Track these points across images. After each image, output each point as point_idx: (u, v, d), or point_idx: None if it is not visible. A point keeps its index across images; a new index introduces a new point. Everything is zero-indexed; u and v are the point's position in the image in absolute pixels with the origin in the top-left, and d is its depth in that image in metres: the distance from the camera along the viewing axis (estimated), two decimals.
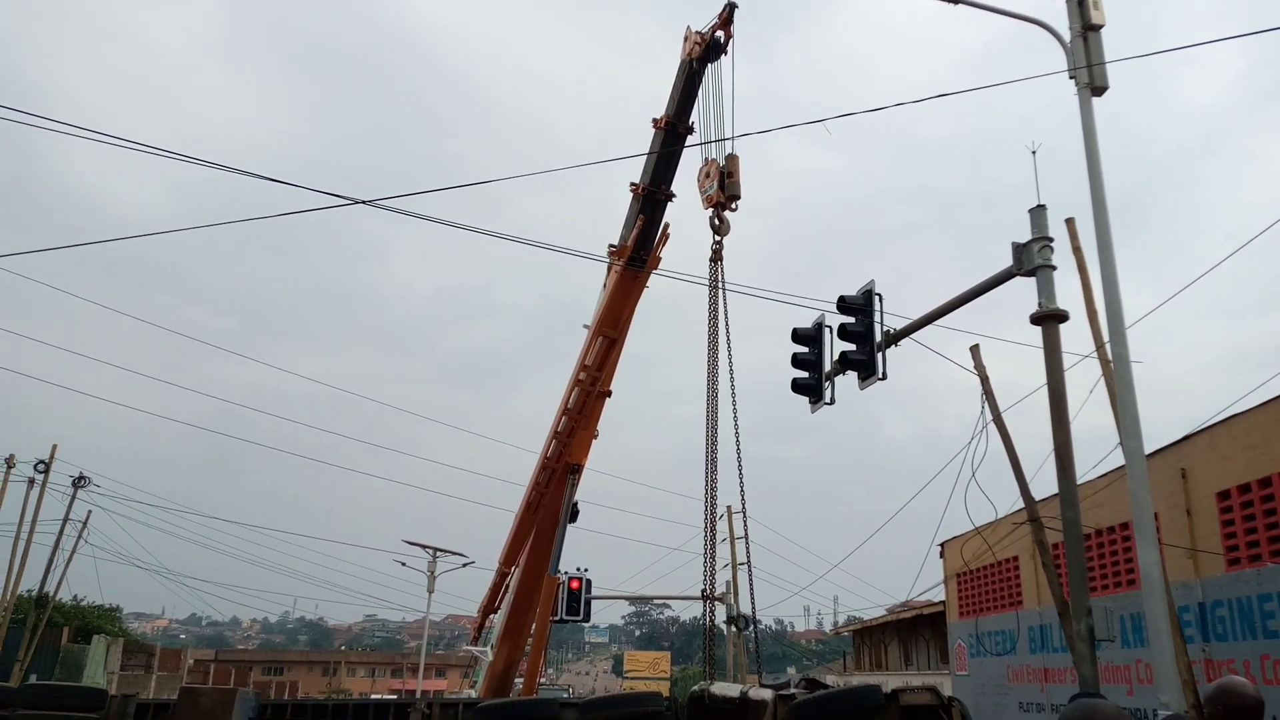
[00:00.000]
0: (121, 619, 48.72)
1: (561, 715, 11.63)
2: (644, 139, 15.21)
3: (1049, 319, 8.96)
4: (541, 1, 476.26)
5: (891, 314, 11.08)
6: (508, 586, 17.83)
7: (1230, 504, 11.64)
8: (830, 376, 11.59)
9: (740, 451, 14.19)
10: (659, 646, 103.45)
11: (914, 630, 34.54)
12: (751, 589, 15.87)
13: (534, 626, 17.13)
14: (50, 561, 25.85)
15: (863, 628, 42.04)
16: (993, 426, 10.06)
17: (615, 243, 15.64)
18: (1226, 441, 11.83)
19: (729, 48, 14.41)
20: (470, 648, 20.91)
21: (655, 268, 15.39)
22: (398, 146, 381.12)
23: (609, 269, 15.87)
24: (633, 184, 15.24)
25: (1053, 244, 9.18)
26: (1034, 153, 9.61)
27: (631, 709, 11.19)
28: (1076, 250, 9.48)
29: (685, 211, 15.34)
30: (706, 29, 14.48)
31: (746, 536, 21.05)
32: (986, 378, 10.28)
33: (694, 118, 14.76)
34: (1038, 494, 10.19)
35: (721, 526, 32.85)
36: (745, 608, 26.80)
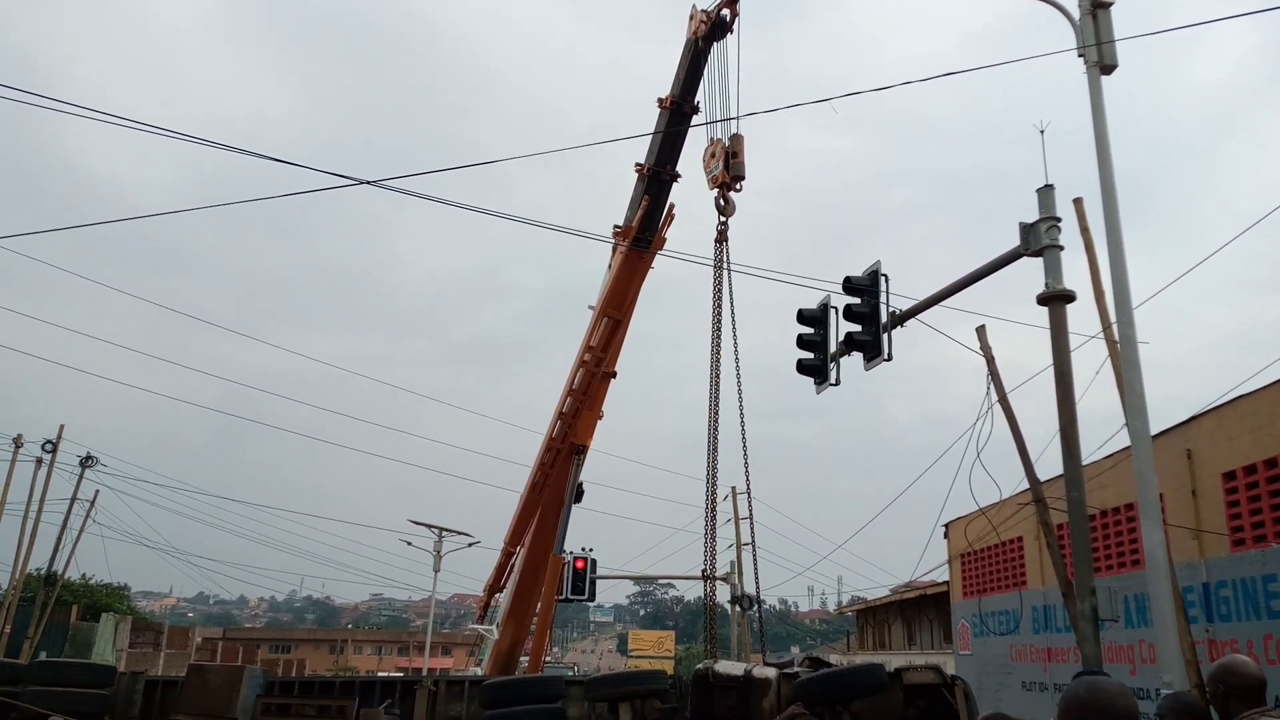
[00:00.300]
0: (130, 597, 49.02)
1: (567, 693, 11.73)
2: (651, 117, 15.15)
3: (1056, 299, 8.92)
4: None
5: (897, 295, 11.07)
6: (513, 566, 17.91)
7: (1236, 485, 11.62)
8: (835, 357, 11.56)
9: (744, 432, 14.25)
10: (663, 626, 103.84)
11: (917, 610, 34.64)
12: (755, 569, 16.01)
13: (539, 605, 17.21)
14: (58, 540, 26.10)
15: (866, 608, 42.18)
16: (998, 407, 10.05)
17: (620, 224, 15.59)
18: (1233, 422, 11.79)
19: (734, 26, 14.33)
20: (476, 626, 21.05)
21: (660, 249, 15.35)
22: (404, 126, 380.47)
23: (614, 250, 15.83)
24: (638, 164, 15.17)
25: (1060, 224, 9.13)
26: (1042, 132, 9.55)
27: (636, 687, 11.26)
28: (1084, 230, 9.42)
29: (691, 192, 15.30)
30: (712, 7, 14.40)
31: (751, 517, 21.20)
32: (992, 358, 10.25)
33: (700, 97, 14.69)
34: (1043, 475, 10.19)
35: (725, 507, 32.98)
36: (750, 587, 26.91)
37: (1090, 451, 11.54)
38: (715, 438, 13.98)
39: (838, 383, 11.61)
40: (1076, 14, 9.09)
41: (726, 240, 14.48)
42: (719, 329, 14.26)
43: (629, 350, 16.58)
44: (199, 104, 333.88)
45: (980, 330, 10.56)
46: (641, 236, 15.13)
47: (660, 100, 14.88)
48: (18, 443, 26.62)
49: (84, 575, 40.75)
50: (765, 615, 18.70)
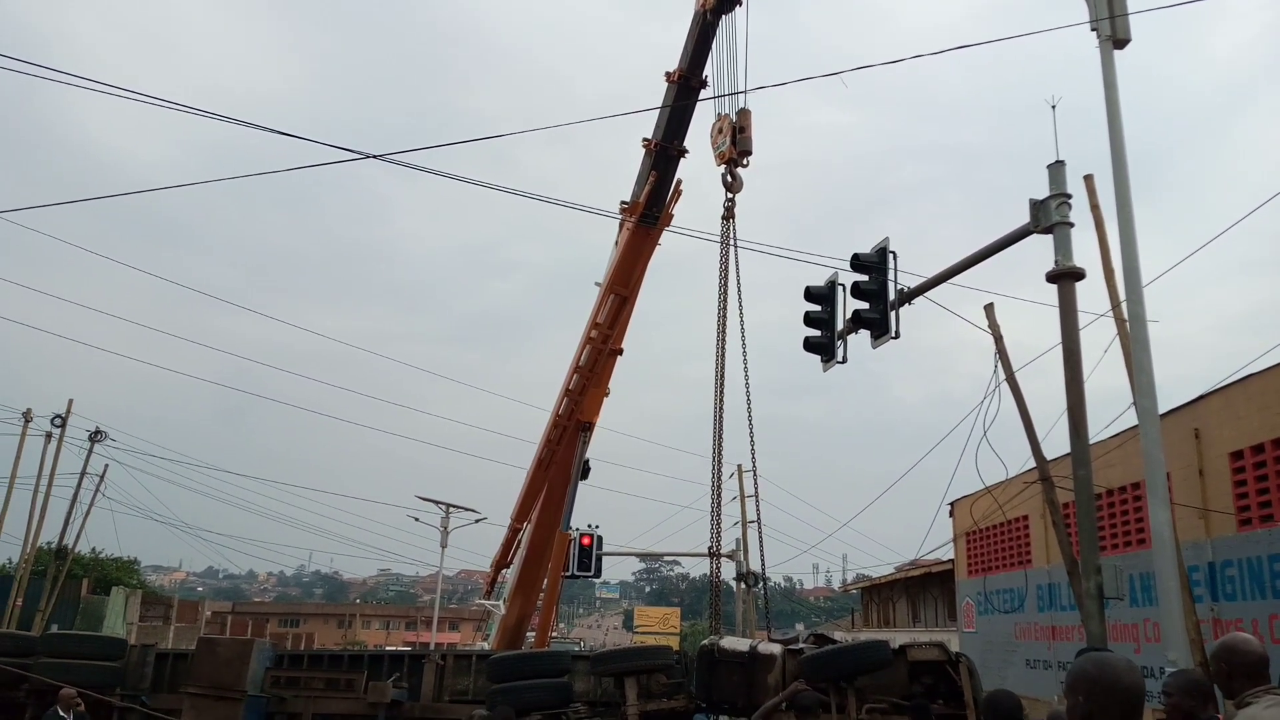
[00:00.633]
0: (140, 571, 49.37)
1: (573, 668, 11.81)
2: (659, 91, 15.01)
3: (1065, 277, 8.86)
4: None
5: (906, 272, 11.01)
6: (520, 542, 17.99)
7: (1243, 464, 11.59)
8: (843, 335, 11.52)
9: (750, 409, 14.21)
10: (669, 602, 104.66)
11: (922, 588, 34.74)
12: (761, 546, 15.98)
13: (545, 581, 17.30)
14: (69, 514, 26.23)
15: (871, 585, 42.27)
16: (1006, 386, 10.02)
17: (627, 199, 15.50)
18: (1241, 401, 11.75)
19: None
20: (483, 602, 21.19)
21: (667, 225, 15.25)
22: (410, 99, 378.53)
23: (621, 226, 15.75)
24: (645, 139, 15.05)
25: (1071, 201, 9.05)
26: (1054, 108, 9.45)
27: (642, 662, 11.32)
28: (1094, 207, 9.36)
29: (699, 168, 15.18)
30: None
31: (756, 495, 21.09)
32: (1000, 337, 10.22)
33: (708, 71, 14.54)
34: (1049, 454, 10.17)
35: (731, 485, 33.03)
36: (755, 565, 26.99)
37: (1097, 430, 11.52)
38: (721, 415, 13.95)
39: (845, 360, 11.57)
40: None
41: (734, 217, 14.38)
42: (725, 306, 14.20)
43: (636, 327, 16.56)
44: (206, 76, 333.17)
45: (989, 308, 10.52)
46: (649, 212, 15.03)
47: (668, 74, 14.74)
48: (27, 417, 26.74)
49: (94, 549, 41.09)
50: (770, 592, 18.73)
